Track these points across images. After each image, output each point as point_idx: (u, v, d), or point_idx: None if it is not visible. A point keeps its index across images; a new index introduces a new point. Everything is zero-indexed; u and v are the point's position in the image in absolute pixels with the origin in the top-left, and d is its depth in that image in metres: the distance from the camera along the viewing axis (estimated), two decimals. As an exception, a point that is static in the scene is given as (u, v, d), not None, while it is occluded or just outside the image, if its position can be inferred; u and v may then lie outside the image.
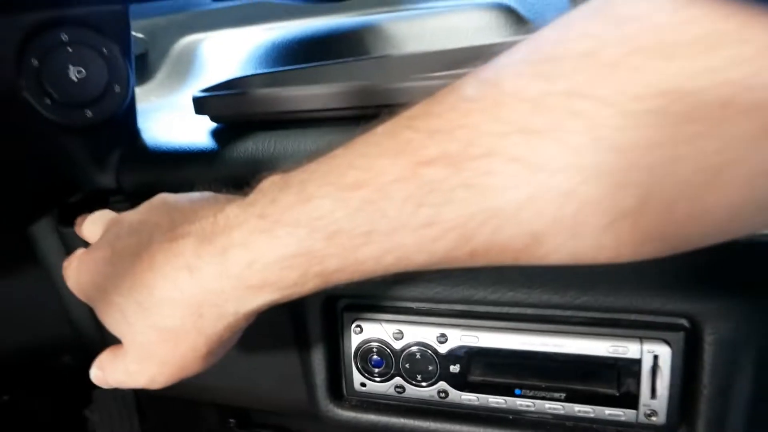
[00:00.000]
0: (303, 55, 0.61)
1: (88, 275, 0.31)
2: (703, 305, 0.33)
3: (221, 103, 0.44)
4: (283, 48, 0.62)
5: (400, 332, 0.38)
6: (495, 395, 0.37)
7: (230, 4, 0.59)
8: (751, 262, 0.32)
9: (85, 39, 0.42)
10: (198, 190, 0.32)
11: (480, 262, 0.22)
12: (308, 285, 0.25)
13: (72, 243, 0.46)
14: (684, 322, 0.34)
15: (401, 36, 0.62)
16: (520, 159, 0.19)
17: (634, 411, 0.35)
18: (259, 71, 0.59)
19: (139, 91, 0.68)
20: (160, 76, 0.71)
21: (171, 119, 0.51)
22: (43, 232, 0.50)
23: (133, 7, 0.46)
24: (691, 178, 0.18)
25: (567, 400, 0.36)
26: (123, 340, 0.29)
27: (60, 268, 0.43)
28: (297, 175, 0.24)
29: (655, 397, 0.35)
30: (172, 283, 0.26)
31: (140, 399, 0.74)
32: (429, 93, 0.22)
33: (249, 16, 0.71)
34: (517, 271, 0.35)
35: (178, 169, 0.43)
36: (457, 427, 0.39)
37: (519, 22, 0.65)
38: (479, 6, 0.63)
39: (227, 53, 0.66)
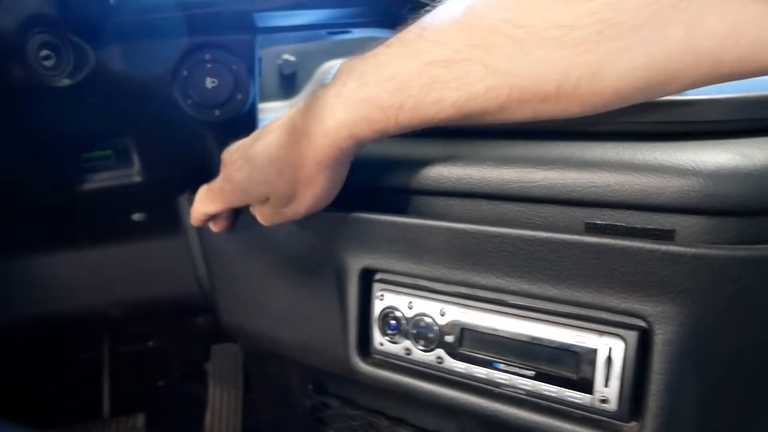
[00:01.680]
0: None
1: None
2: (655, 309, 0.38)
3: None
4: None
5: (411, 303, 0.47)
6: (479, 366, 0.44)
7: (346, 37, 0.72)
8: (701, 275, 0.36)
9: (221, 58, 0.57)
10: None
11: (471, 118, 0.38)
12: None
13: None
14: (639, 322, 0.39)
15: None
16: (482, 62, 0.35)
17: (589, 395, 0.40)
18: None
19: (288, 104, 0.84)
20: (304, 93, 0.87)
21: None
22: (185, 204, 0.66)
23: (264, 36, 0.60)
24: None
25: (535, 378, 0.42)
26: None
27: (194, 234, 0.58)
28: (357, 67, 0.40)
29: (608, 385, 0.39)
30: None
31: (245, 357, 0.89)
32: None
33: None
34: (504, 261, 0.42)
35: None
36: (450, 392, 0.46)
37: None
38: None
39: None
